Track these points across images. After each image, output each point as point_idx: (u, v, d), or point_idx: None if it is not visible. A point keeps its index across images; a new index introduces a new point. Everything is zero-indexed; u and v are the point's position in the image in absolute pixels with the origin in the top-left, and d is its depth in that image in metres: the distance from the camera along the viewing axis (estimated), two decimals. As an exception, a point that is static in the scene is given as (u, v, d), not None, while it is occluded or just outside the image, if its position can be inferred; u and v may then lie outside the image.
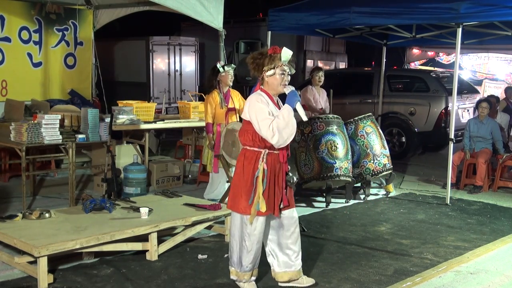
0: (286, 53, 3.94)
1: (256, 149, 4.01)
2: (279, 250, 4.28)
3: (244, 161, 4.05)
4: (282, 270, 4.29)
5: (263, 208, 3.97)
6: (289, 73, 4.00)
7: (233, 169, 6.67)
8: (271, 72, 3.97)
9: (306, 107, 7.60)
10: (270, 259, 4.33)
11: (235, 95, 6.83)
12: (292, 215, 4.23)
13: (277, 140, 3.87)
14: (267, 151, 4.00)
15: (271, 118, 3.88)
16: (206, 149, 6.84)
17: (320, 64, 16.33)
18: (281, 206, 4.10)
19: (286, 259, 4.27)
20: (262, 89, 4.06)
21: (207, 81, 6.85)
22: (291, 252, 4.26)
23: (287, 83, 4.01)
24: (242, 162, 4.07)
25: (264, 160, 3.99)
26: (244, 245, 4.10)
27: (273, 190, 4.03)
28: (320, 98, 7.89)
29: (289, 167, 4.14)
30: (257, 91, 4.07)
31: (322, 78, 7.79)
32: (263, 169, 3.97)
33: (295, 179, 4.13)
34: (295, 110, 3.96)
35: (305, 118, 4.12)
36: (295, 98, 3.94)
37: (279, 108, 4.01)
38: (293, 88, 4.03)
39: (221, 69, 6.63)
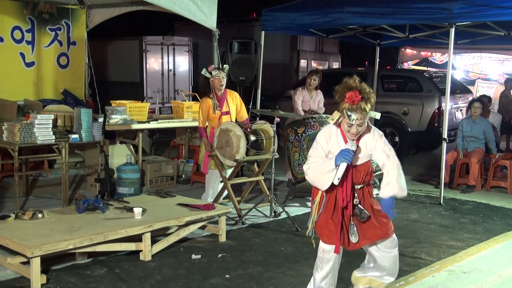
0: (352, 115, 3.49)
1: None
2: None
3: None
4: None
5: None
6: (360, 124, 3.53)
7: (228, 169, 6.72)
8: (339, 119, 3.58)
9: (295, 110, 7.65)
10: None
11: (232, 97, 6.66)
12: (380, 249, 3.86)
13: (308, 179, 3.67)
14: None
15: (315, 160, 3.61)
16: (203, 150, 6.68)
17: (313, 64, 16.30)
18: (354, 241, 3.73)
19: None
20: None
21: (201, 87, 6.68)
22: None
23: (354, 137, 3.58)
24: None
25: None
26: (316, 264, 3.88)
27: (338, 222, 3.68)
28: (312, 101, 7.76)
29: (356, 200, 3.70)
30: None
31: (314, 82, 7.66)
32: (322, 196, 3.69)
33: (366, 213, 3.67)
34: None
35: (336, 182, 3.57)
36: (342, 159, 3.50)
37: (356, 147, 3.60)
38: (352, 149, 3.54)
39: (207, 75, 6.44)
